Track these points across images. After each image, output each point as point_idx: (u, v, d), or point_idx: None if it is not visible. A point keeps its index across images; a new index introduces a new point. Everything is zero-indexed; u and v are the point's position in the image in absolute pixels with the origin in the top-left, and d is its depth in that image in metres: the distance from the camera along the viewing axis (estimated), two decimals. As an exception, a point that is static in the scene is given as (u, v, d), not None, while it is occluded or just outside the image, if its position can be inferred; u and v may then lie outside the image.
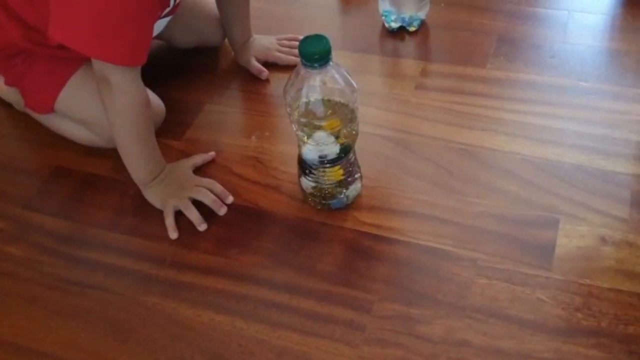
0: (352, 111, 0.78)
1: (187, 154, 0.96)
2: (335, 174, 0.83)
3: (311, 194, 0.86)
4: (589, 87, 0.98)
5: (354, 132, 0.81)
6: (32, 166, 1.01)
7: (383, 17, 1.12)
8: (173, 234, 0.87)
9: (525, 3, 1.13)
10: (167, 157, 0.93)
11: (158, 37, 1.02)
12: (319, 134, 0.78)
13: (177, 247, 0.87)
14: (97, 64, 0.81)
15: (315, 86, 0.75)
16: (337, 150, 0.80)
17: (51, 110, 0.97)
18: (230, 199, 0.90)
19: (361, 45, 1.11)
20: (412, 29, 1.11)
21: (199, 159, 0.95)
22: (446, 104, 0.99)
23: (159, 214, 0.89)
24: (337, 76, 0.75)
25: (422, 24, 1.12)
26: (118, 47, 0.80)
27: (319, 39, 0.72)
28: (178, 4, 0.93)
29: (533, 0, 1.14)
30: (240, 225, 0.88)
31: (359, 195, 0.89)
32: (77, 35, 0.79)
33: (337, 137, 0.78)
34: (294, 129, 0.80)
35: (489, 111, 0.97)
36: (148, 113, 0.87)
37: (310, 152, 0.80)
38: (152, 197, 0.90)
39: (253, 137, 0.99)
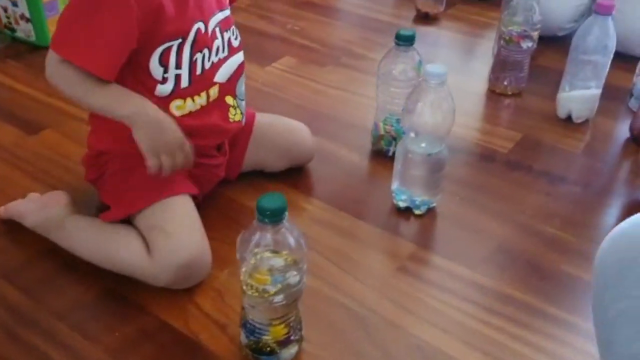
0: (300, 270, 0.79)
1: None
2: (275, 330, 0.83)
3: (246, 344, 0.85)
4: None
5: (298, 292, 0.81)
6: (25, 237, 1.06)
7: (393, 194, 1.14)
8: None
9: (532, 218, 1.12)
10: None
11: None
12: (263, 287, 0.78)
13: (107, 354, 0.87)
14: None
15: (265, 241, 0.77)
16: (277, 303, 0.80)
17: None
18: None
19: (367, 213, 1.13)
20: (418, 212, 1.12)
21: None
22: (421, 294, 0.98)
23: (106, 316, 0.92)
24: (288, 235, 0.77)
25: (431, 209, 1.13)
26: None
27: (276, 197, 0.75)
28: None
29: (541, 217, 1.13)
30: (171, 352, 0.88)
31: (294, 358, 0.87)
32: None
33: (279, 294, 0.79)
34: (240, 277, 0.81)
35: (459, 315, 0.95)
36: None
37: (253, 306, 0.81)
38: (142, 139, 0.93)
39: (226, 271, 1.01)
